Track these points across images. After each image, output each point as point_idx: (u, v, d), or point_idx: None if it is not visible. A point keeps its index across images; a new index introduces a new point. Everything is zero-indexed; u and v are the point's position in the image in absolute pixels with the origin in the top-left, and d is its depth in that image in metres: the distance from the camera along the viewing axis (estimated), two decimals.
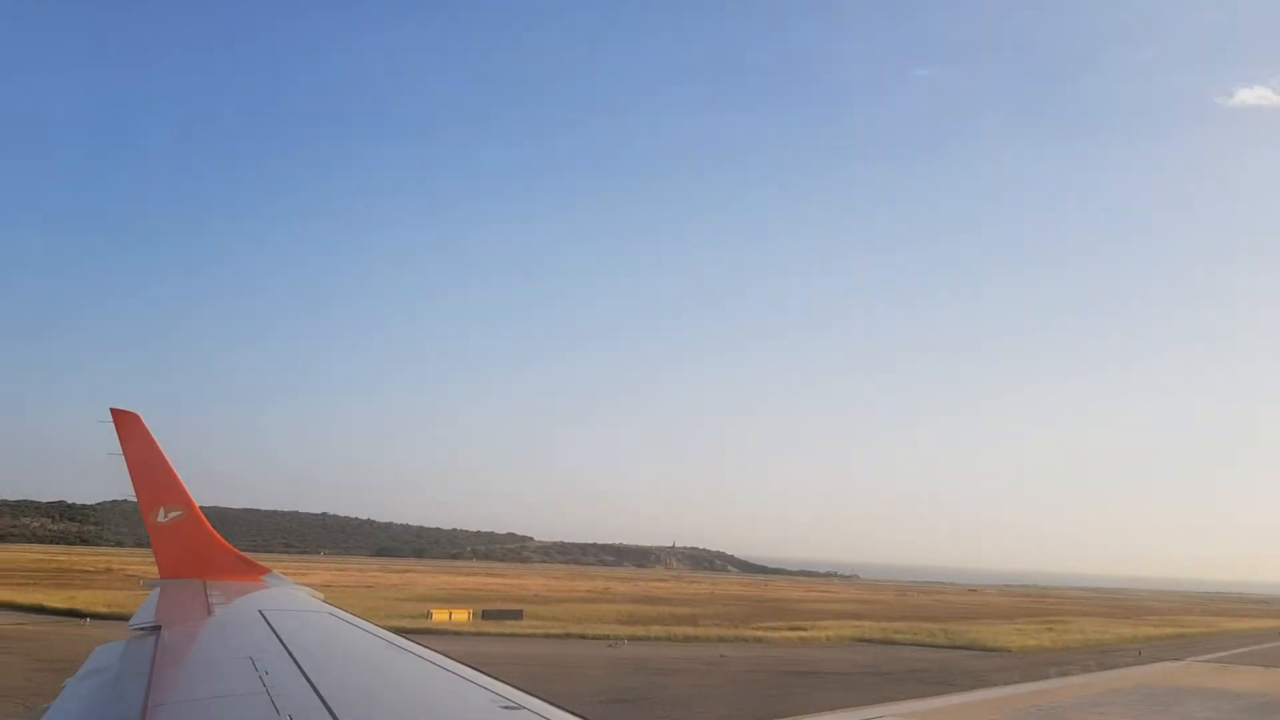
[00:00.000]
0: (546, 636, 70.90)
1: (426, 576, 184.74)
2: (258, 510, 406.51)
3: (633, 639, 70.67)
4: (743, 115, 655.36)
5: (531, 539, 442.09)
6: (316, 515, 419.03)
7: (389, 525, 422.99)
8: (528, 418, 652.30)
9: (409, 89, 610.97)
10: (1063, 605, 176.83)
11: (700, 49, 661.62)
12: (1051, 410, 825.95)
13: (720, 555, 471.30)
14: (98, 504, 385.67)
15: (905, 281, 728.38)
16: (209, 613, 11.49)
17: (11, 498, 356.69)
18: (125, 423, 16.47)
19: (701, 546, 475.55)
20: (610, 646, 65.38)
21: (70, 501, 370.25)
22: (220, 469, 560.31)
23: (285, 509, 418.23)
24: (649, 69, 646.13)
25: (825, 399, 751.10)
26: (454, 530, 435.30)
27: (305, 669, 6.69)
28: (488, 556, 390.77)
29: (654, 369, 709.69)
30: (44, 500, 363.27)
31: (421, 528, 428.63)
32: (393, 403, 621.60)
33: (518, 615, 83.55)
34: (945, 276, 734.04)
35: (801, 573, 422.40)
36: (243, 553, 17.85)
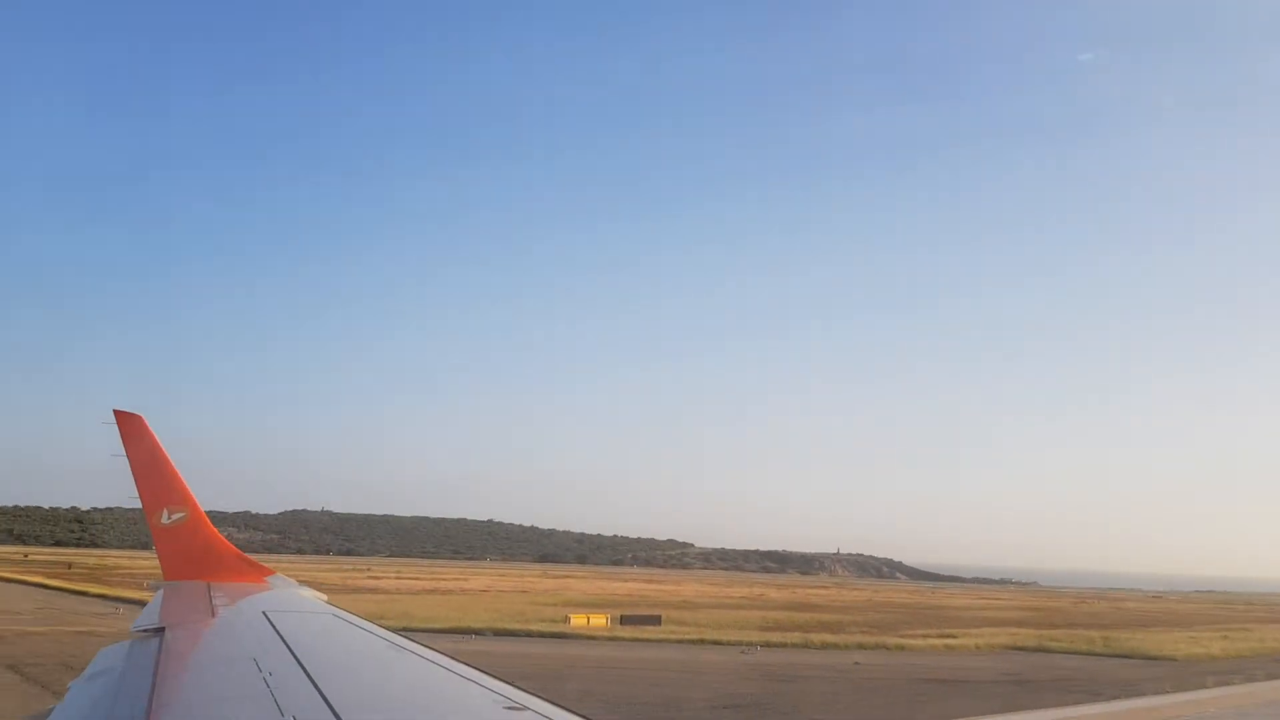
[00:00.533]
0: (680, 642, 70.23)
1: (583, 582, 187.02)
2: (426, 518, 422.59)
3: (768, 645, 69.23)
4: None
5: (693, 545, 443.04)
6: (482, 522, 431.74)
7: (551, 532, 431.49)
8: (688, 422, 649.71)
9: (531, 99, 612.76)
10: (1252, 612, 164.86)
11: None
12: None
13: (888, 562, 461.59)
14: (279, 514, 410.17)
15: (1060, 272, 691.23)
16: (213, 614, 11.45)
17: (236, 511, 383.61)
18: (128, 424, 16.49)
19: (868, 553, 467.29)
20: (743, 653, 64.26)
21: (254, 512, 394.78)
22: (390, 479, 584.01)
23: (452, 516, 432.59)
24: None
25: (1007, 395, 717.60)
26: (615, 537, 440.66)
27: (309, 670, 6.64)
28: (649, 563, 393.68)
29: (820, 368, 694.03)
30: (231, 511, 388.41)
31: (583, 534, 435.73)
32: (554, 410, 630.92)
33: (656, 621, 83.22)
34: (1110, 266, 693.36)
35: (976, 580, 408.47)
36: (245, 554, 17.82)
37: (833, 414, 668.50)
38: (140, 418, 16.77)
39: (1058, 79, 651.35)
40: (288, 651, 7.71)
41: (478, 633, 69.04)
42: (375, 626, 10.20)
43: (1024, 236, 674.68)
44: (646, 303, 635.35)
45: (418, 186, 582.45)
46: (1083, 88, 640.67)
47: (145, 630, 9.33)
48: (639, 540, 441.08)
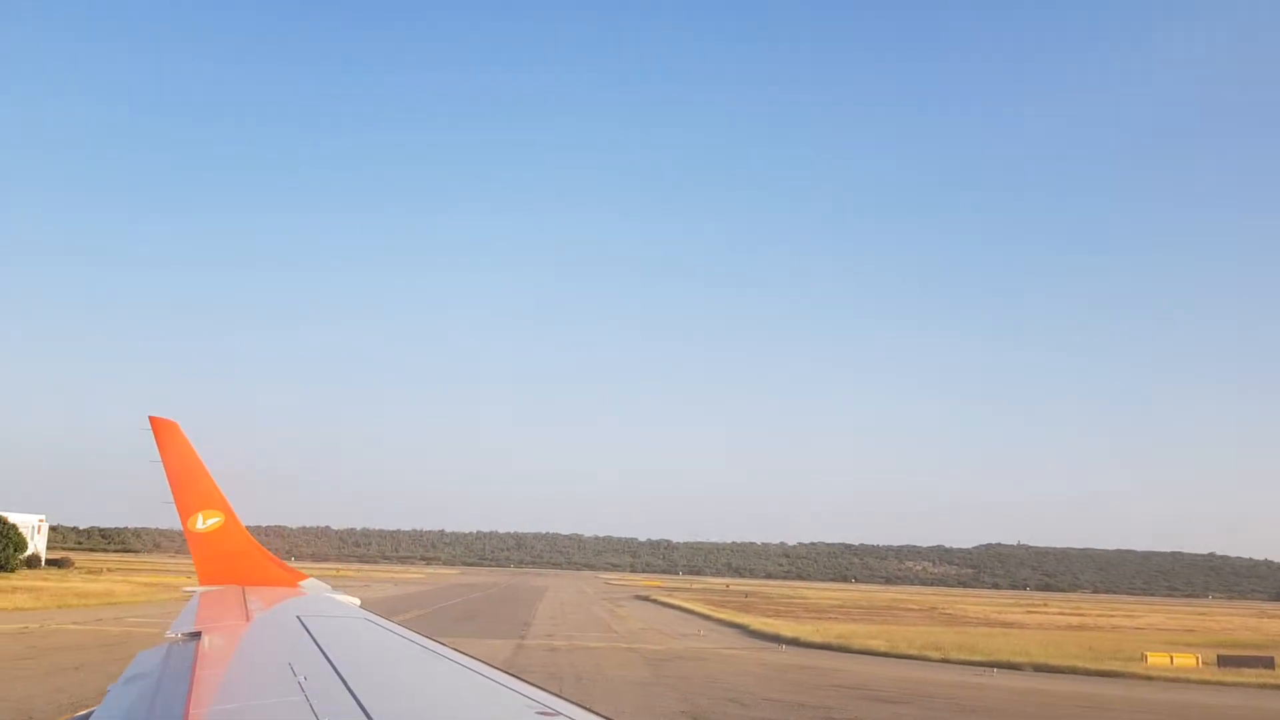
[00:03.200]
0: (1261, 686, 58.01)
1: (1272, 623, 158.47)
2: (1132, 552, 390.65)
3: None
4: None
5: None
6: (1201, 556, 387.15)
7: None
8: None
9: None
10: None
11: None
12: None
13: None
14: (974, 548, 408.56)
15: None
16: (248, 618, 11.73)
17: (896, 543, 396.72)
18: (163, 430, 17.01)
19: None
20: None
21: (948, 546, 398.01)
22: (1089, 509, 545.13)
23: (1164, 550, 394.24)
24: None
25: None
26: None
27: (343, 674, 6.80)
28: None
29: None
30: (924, 545, 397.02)
31: None
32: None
33: (1267, 663, 68.84)
34: None
35: None
36: (281, 559, 18.20)
37: None
38: (175, 424, 17.17)
39: None
40: (322, 655, 7.83)
41: (1015, 667, 63.69)
42: (409, 631, 10.32)
43: None
44: None
45: None
46: None
47: (182, 634, 9.61)
48: None
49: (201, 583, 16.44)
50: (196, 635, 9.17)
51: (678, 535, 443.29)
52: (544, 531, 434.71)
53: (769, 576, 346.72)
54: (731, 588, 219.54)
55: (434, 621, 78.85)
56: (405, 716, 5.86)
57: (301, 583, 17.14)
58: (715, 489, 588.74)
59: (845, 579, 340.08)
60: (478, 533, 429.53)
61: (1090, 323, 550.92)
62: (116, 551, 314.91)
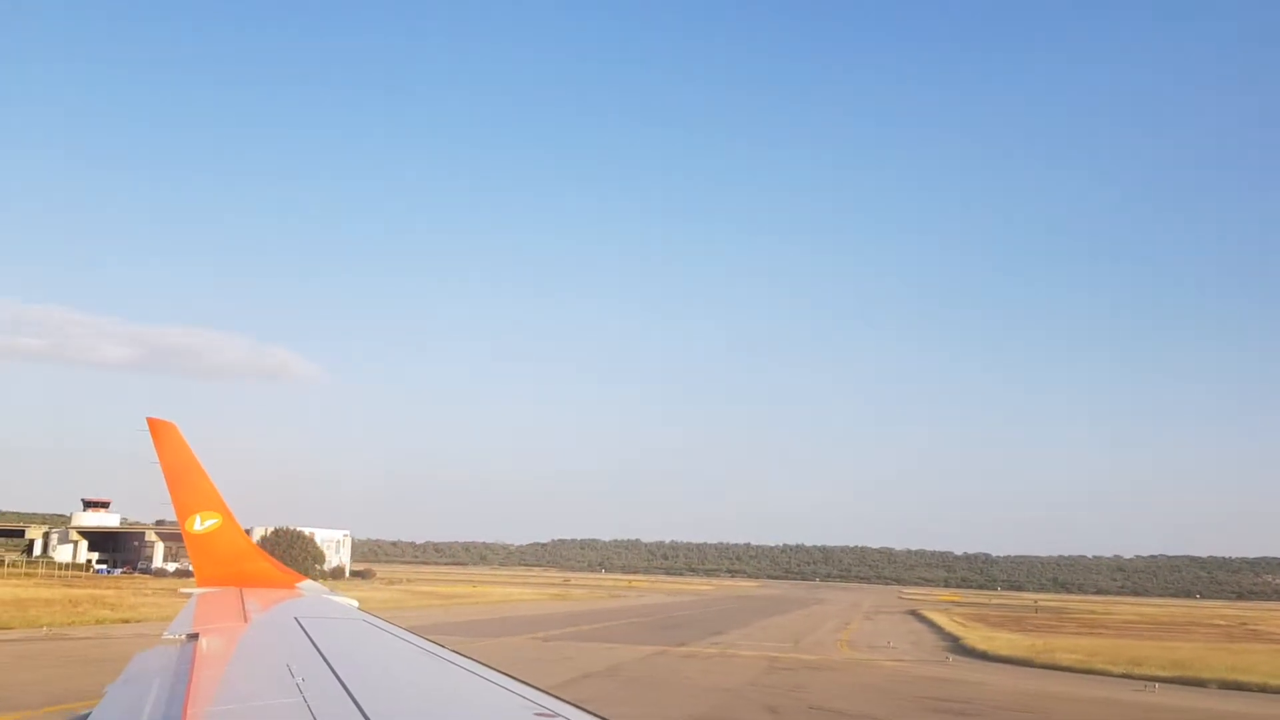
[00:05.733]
0: None
1: None
2: None
3: None
4: None
5: None
6: None
7: None
8: None
9: None
10: None
11: None
12: None
13: None
14: None
15: None
16: (245, 619, 11.69)
17: (1251, 554, 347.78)
18: (161, 431, 16.93)
19: None
20: None
21: None
22: None
23: None
24: None
25: None
26: None
27: (341, 675, 6.80)
28: None
29: None
30: None
31: None
32: None
33: None
34: None
35: None
36: (278, 560, 18.39)
37: None
38: (173, 425, 17.14)
39: None
40: (319, 657, 7.83)
41: (1199, 684, 56.21)
42: (407, 633, 10.42)
43: None
44: None
45: None
46: None
47: (179, 636, 9.59)
48: None
49: (199, 584, 16.47)
50: (194, 636, 9.23)
51: (997, 549, 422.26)
52: (852, 545, 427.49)
53: (1099, 592, 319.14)
54: (1039, 604, 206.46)
55: (635, 630, 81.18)
56: (402, 717, 5.89)
57: (299, 584, 17.23)
58: (1037, 497, 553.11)
59: (1189, 595, 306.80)
60: (784, 546, 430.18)
61: None
62: (445, 564, 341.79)
